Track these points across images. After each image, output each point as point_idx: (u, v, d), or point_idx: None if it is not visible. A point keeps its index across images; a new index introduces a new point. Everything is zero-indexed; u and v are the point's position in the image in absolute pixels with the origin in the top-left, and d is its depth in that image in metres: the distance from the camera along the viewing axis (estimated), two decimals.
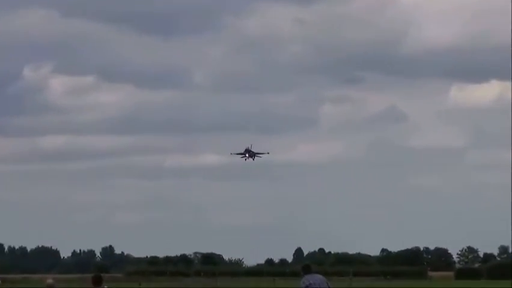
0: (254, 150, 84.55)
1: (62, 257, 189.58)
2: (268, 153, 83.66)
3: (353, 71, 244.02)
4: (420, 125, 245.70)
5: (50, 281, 24.36)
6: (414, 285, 72.02)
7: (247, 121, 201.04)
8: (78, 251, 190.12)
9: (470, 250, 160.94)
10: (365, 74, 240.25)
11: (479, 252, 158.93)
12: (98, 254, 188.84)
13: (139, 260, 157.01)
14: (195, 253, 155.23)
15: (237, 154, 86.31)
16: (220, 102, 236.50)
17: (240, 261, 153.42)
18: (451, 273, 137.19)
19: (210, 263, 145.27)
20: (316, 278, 21.36)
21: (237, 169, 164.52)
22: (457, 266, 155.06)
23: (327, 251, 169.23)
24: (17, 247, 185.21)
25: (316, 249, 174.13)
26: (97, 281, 23.73)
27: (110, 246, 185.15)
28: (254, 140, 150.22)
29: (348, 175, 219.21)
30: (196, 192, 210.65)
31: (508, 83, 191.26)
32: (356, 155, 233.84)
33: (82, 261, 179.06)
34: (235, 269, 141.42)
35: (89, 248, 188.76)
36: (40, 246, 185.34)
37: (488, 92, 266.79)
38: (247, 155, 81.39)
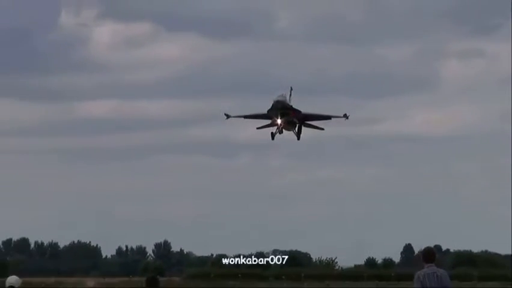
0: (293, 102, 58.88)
1: (103, 256, 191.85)
2: (346, 116, 58.37)
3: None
4: None
5: (92, 284, 24.47)
6: None
7: (348, 81, 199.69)
8: (124, 248, 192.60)
9: None
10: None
11: None
12: (150, 252, 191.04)
13: (202, 260, 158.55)
14: (274, 251, 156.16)
15: (246, 117, 61.23)
16: (312, 55, 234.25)
17: (333, 261, 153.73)
18: None
19: (294, 263, 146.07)
20: (435, 276, 27.01)
21: (335, 142, 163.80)
22: None
23: (444, 248, 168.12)
24: (46, 243, 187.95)
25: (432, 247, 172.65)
26: (153, 285, 23.50)
27: (166, 242, 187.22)
28: (356, 105, 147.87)
29: (477, 152, 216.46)
30: (276, 176, 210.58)
31: None
32: (489, 127, 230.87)
33: (128, 261, 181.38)
34: (326, 271, 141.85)
35: (139, 244, 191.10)
36: (75, 242, 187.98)
37: None
38: (280, 121, 56.58)
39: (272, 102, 53.13)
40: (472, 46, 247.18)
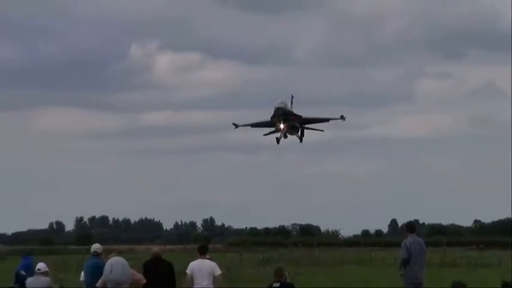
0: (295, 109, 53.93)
1: (164, 229, 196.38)
2: (343, 117, 51.74)
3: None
4: None
5: (156, 249, 25.94)
6: (507, 255, 71.75)
7: (347, 96, 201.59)
8: (180, 223, 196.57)
9: None
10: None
11: None
12: (199, 225, 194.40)
13: (239, 231, 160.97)
14: (293, 224, 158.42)
15: (253, 125, 54.03)
16: (321, 77, 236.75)
17: (337, 232, 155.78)
18: None
19: (307, 234, 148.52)
20: (417, 243, 27.73)
21: (336, 143, 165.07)
22: None
23: (421, 222, 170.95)
24: (121, 219, 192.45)
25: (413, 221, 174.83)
26: (203, 250, 24.81)
27: (211, 218, 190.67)
28: (352, 113, 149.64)
29: (443, 148, 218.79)
30: (291, 168, 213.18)
31: None
32: (457, 129, 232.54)
33: (183, 232, 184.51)
34: (332, 240, 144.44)
35: (191, 220, 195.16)
36: (143, 218, 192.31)
37: None
38: (282, 126, 49.22)
39: (274, 109, 47.91)
40: (444, 69, 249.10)
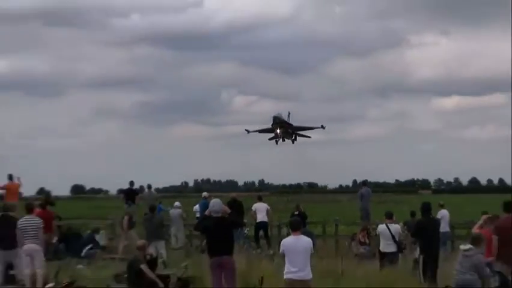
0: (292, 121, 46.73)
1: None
2: (323, 127, 45.04)
3: None
4: None
5: (233, 194, 25.31)
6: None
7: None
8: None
9: None
10: None
11: None
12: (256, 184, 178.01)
13: (276, 186, 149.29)
14: (304, 183, 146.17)
15: (260, 131, 47.35)
16: None
17: (325, 187, 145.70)
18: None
19: (312, 187, 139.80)
20: (366, 191, 26.30)
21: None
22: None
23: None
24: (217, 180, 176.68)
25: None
26: (260, 198, 25.07)
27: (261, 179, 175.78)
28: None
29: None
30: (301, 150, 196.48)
31: None
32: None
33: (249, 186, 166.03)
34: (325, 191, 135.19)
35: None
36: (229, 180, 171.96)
37: None
38: (278, 131, 44.06)
39: (272, 118, 43.53)
40: None
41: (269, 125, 43.11)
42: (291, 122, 42.86)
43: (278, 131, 42.25)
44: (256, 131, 43.33)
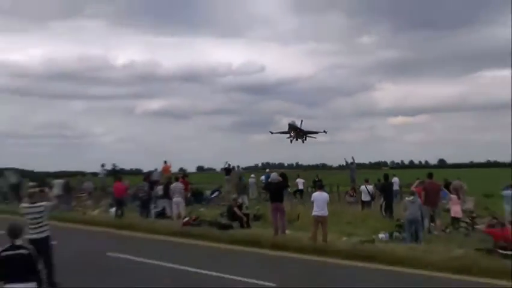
0: (303, 127, 45.51)
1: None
2: (325, 131, 44.59)
3: None
4: None
5: (282, 170, 21.01)
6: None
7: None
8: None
9: None
10: None
11: None
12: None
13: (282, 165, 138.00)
14: (311, 166, 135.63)
15: (280, 133, 46.02)
16: None
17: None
18: None
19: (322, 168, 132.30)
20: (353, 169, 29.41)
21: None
22: None
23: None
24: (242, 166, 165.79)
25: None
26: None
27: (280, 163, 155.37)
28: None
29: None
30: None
31: None
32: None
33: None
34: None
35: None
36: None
37: None
38: (292, 134, 43.23)
39: (288, 124, 42.96)
40: None
41: (286, 129, 44.16)
42: (302, 127, 43.67)
43: (292, 133, 43.29)
44: (278, 132, 44.46)
